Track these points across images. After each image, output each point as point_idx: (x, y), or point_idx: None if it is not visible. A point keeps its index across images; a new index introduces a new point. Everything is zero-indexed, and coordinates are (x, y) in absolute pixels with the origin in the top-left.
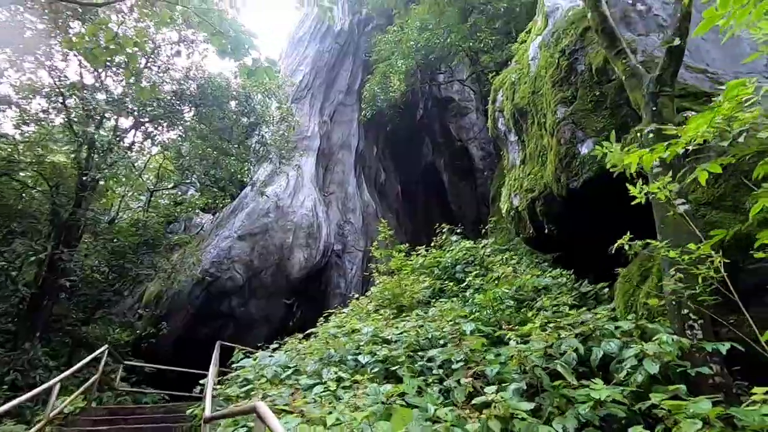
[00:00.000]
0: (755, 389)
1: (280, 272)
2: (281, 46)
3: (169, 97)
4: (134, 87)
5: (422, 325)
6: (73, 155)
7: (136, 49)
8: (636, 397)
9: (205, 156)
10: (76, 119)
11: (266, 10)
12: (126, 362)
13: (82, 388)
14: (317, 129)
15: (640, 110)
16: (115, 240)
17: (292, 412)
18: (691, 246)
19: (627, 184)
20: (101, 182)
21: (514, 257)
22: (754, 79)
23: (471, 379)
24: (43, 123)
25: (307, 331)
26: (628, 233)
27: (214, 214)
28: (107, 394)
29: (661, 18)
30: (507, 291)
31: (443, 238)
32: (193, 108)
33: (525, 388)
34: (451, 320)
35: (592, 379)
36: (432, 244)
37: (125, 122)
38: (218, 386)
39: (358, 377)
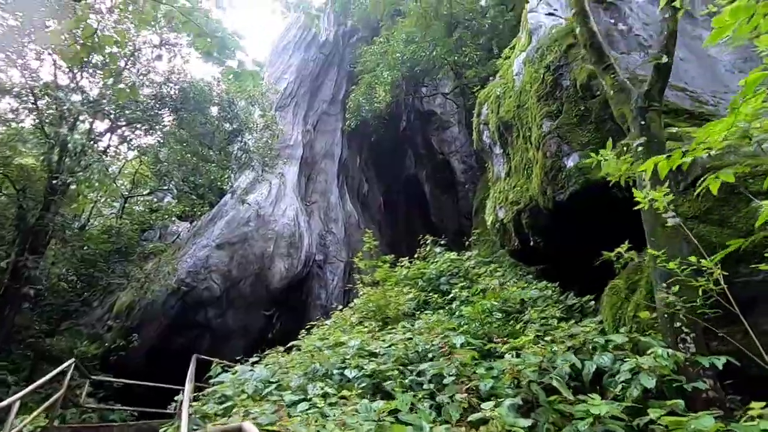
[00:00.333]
0: (753, 404)
1: (260, 282)
2: (264, 53)
3: (148, 101)
4: (112, 89)
5: (411, 338)
6: (43, 158)
7: (116, 48)
8: (632, 413)
9: (185, 162)
10: (48, 120)
11: (249, 18)
12: (93, 377)
13: (44, 406)
14: (300, 138)
15: (624, 125)
16: (85, 247)
17: None
18: (692, 258)
19: (634, 190)
20: (72, 186)
21: (499, 269)
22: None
23: (466, 395)
24: (11, 123)
25: (289, 344)
26: (625, 244)
27: (191, 222)
28: (72, 411)
29: (641, 38)
30: (495, 303)
31: (427, 249)
32: (173, 112)
33: (521, 403)
34: (439, 333)
35: (589, 395)
36: (415, 256)
37: (101, 125)
38: (194, 403)
39: (345, 393)
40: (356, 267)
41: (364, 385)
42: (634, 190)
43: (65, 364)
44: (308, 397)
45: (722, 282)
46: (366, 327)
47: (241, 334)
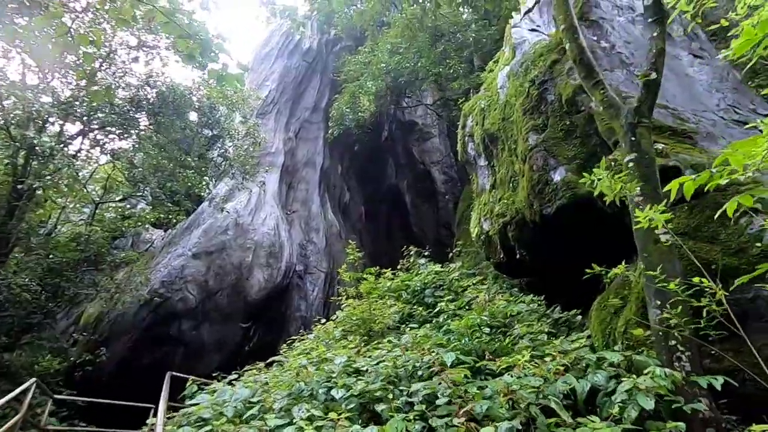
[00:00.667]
0: (754, 427)
1: (238, 293)
2: (247, 59)
3: (124, 104)
4: (86, 90)
5: (399, 355)
6: (7, 161)
7: (92, 48)
8: None
9: (161, 168)
10: (14, 122)
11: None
12: (56, 395)
13: (2, 429)
14: (282, 145)
15: (610, 140)
16: (51, 255)
17: None
18: (695, 279)
19: (636, 211)
20: (39, 191)
21: (484, 282)
22: None
23: (464, 419)
24: None
25: (270, 359)
26: (623, 263)
27: (166, 230)
28: None
29: (623, 55)
30: (485, 318)
31: (410, 261)
32: (150, 116)
33: (519, 427)
34: (428, 349)
35: (588, 417)
36: (398, 267)
37: (72, 128)
38: (168, 426)
39: (333, 415)
40: (338, 278)
41: (352, 406)
42: (636, 210)
43: (26, 384)
44: (293, 420)
45: (725, 302)
46: (350, 341)
47: (217, 348)
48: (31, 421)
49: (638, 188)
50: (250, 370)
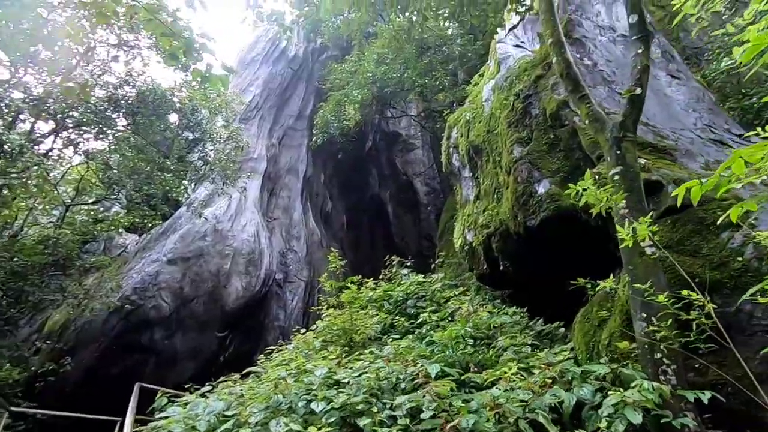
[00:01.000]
0: None
1: (214, 301)
2: (231, 63)
3: (101, 103)
4: (60, 87)
5: (382, 367)
6: None
7: (69, 41)
8: None
9: (138, 170)
10: None
11: (216, 25)
12: (13, 408)
13: None
14: (264, 151)
15: (593, 154)
16: (15, 258)
17: None
18: (684, 292)
19: (618, 226)
20: (5, 191)
21: (467, 293)
22: None
23: None
24: None
25: (246, 370)
26: (611, 276)
27: (140, 234)
28: None
29: (605, 73)
30: (468, 330)
31: (393, 271)
32: (128, 116)
33: None
34: (411, 360)
35: (576, 431)
36: (381, 277)
37: (44, 126)
38: None
39: (312, 429)
40: (318, 287)
41: (332, 419)
42: (624, 223)
43: None
44: None
45: (713, 315)
46: (331, 352)
47: (191, 357)
48: None
49: (624, 201)
50: (225, 381)
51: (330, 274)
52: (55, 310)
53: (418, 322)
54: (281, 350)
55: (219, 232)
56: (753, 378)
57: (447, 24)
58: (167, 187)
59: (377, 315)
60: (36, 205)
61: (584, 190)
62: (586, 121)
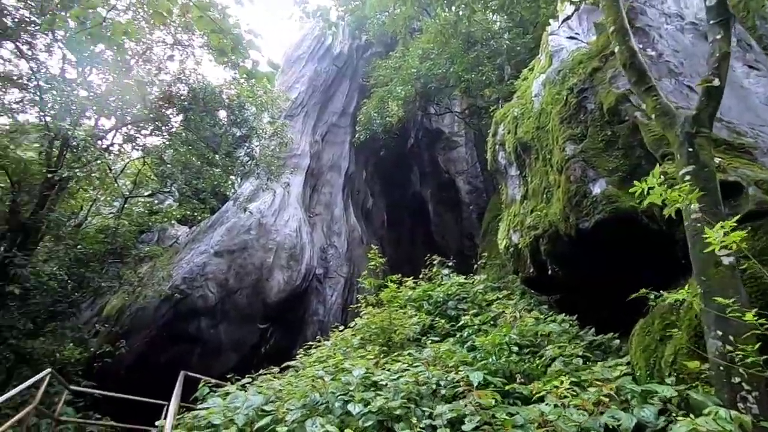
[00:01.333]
0: None
1: (257, 294)
2: (278, 61)
3: (157, 100)
4: (120, 85)
5: (421, 371)
6: (42, 152)
7: (126, 38)
8: None
9: (189, 165)
10: (51, 114)
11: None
12: (73, 387)
13: (16, 417)
14: (308, 148)
15: (657, 152)
16: (79, 246)
17: None
18: None
19: (706, 230)
20: (71, 183)
21: (511, 297)
22: None
23: None
24: (15, 114)
25: (285, 364)
26: (682, 286)
27: (190, 226)
28: (46, 421)
29: (672, 64)
30: (513, 336)
31: (433, 270)
32: (181, 113)
33: None
34: (452, 366)
35: None
36: (420, 276)
37: (106, 122)
38: (178, 427)
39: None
40: (358, 284)
41: (369, 423)
42: (706, 230)
43: (41, 374)
44: None
45: None
46: (369, 351)
47: (234, 348)
48: (46, 411)
49: (697, 203)
50: (265, 374)
51: (369, 272)
52: (112, 295)
53: (458, 324)
54: (319, 346)
55: (263, 227)
56: None
57: (495, 17)
58: (215, 182)
59: (416, 315)
60: (98, 196)
61: (649, 189)
62: (652, 116)
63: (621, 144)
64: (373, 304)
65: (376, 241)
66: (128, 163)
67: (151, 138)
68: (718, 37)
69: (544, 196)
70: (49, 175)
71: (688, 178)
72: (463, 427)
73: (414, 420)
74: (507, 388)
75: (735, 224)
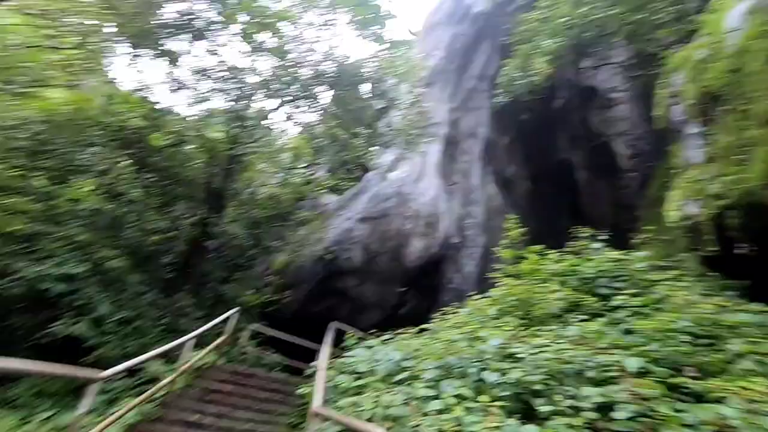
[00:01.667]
0: None
1: (396, 259)
2: (415, 29)
3: (309, 80)
4: (279, 67)
5: (565, 349)
6: (225, 132)
7: (283, 23)
8: None
9: (336, 138)
10: (231, 99)
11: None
12: (253, 325)
13: (215, 343)
14: (446, 116)
15: None
16: (253, 211)
17: None
18: None
19: None
20: (246, 158)
21: (682, 279)
22: None
23: None
24: (207, 103)
25: (421, 326)
26: None
27: (339, 194)
28: (235, 350)
29: None
30: (686, 323)
31: (581, 243)
32: (329, 89)
33: None
34: (603, 349)
35: None
36: (566, 249)
37: (270, 103)
38: (329, 371)
39: (484, 399)
40: (494, 254)
41: (505, 393)
42: None
43: (231, 311)
44: (441, 394)
45: None
46: (506, 323)
47: (377, 306)
48: (235, 341)
49: None
50: (403, 333)
51: (508, 242)
52: (279, 254)
53: (611, 305)
54: (455, 313)
55: (402, 195)
56: None
57: None
58: (359, 153)
59: (560, 291)
60: (265, 169)
61: None
62: None
63: None
64: (511, 275)
65: (517, 211)
66: (288, 139)
67: (305, 115)
68: None
69: (739, 157)
70: (231, 152)
71: None
72: (614, 414)
73: (555, 398)
74: (673, 381)
75: None
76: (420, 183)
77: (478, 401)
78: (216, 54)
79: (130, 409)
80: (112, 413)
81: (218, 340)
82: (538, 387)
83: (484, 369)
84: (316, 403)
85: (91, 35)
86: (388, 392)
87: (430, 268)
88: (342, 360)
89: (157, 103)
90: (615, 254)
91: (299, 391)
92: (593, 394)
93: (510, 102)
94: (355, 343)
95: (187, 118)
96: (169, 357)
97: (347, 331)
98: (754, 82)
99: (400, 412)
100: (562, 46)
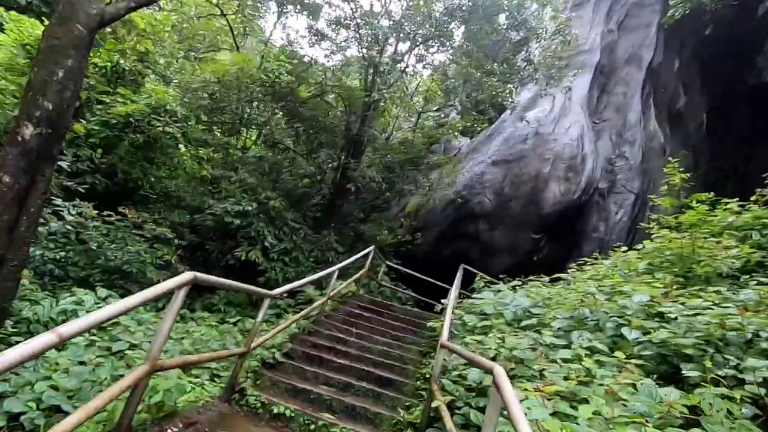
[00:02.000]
0: None
1: (531, 204)
2: None
3: (441, 16)
4: (411, 7)
5: (732, 314)
6: (361, 79)
7: None
8: None
9: (469, 77)
10: (365, 46)
11: None
12: (388, 262)
13: (356, 276)
14: (599, 40)
15: None
16: (387, 156)
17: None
18: None
19: None
20: (381, 103)
21: None
22: None
23: None
24: (344, 52)
25: (555, 275)
26: None
27: (471, 138)
28: (372, 283)
29: None
30: None
31: None
32: (462, 24)
33: None
34: None
35: None
36: (752, 198)
37: (402, 47)
38: (457, 310)
39: (620, 354)
40: (651, 202)
41: (647, 353)
42: None
43: (369, 249)
44: (571, 344)
45: None
46: (657, 280)
47: (507, 252)
48: (373, 276)
49: None
50: (534, 280)
51: (669, 189)
52: (411, 197)
53: None
54: (595, 264)
55: (540, 136)
56: None
57: None
58: (493, 92)
59: (737, 247)
60: (399, 114)
61: None
62: None
63: None
64: (670, 227)
65: (686, 151)
66: (420, 82)
67: (437, 55)
68: None
69: None
70: (366, 98)
71: None
72: None
73: (709, 364)
74: None
75: None
76: (562, 121)
77: (612, 356)
78: (351, 1)
79: (292, 323)
80: (279, 324)
81: (358, 274)
82: (689, 351)
83: (623, 325)
84: (444, 336)
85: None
86: (514, 335)
87: (570, 214)
88: (470, 301)
89: (303, 56)
90: None
91: (429, 324)
92: (764, 368)
93: (688, 14)
94: (484, 287)
95: (327, 69)
96: (320, 284)
97: (476, 274)
98: None
99: (525, 356)
100: None
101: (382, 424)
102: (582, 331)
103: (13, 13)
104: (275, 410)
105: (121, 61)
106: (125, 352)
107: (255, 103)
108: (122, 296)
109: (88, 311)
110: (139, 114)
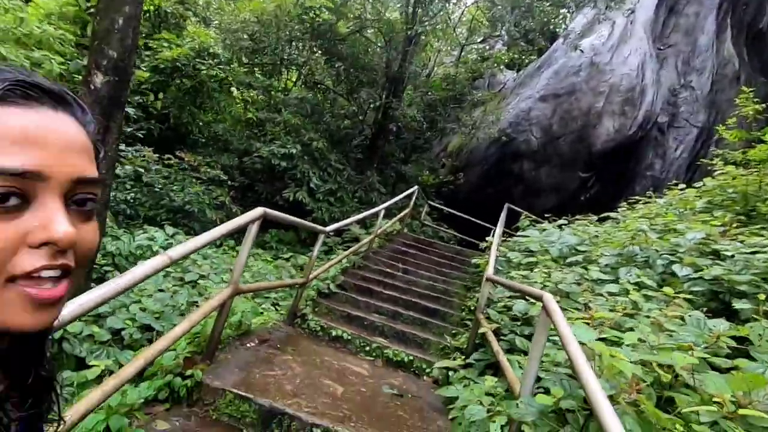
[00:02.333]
0: None
1: (581, 141)
2: None
3: None
4: None
5: None
6: (402, 11)
7: None
8: None
9: (518, 3)
10: None
11: None
12: (430, 202)
13: (400, 215)
14: None
15: None
16: (429, 93)
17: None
18: None
19: None
20: (423, 37)
21: None
22: None
23: None
24: None
25: (603, 214)
26: None
27: (517, 71)
28: (415, 223)
29: None
30: None
31: None
32: None
33: None
34: None
35: None
36: None
37: None
38: (502, 247)
39: (668, 290)
40: (717, 135)
41: (697, 289)
42: None
43: (412, 189)
44: (618, 279)
45: None
46: (716, 218)
47: (553, 191)
48: (416, 215)
49: None
50: (582, 219)
51: (739, 121)
52: (453, 135)
53: None
54: (648, 202)
55: (595, 66)
56: None
57: None
58: (545, 19)
59: None
60: (441, 47)
61: None
62: None
63: None
64: (736, 162)
65: (766, 78)
66: (464, 10)
67: None
68: None
69: None
70: (408, 32)
71: None
72: None
73: (762, 297)
74: None
75: None
76: (621, 49)
77: (660, 291)
78: None
79: (344, 257)
80: (330, 260)
81: (402, 213)
82: (744, 288)
83: (674, 262)
84: (490, 270)
85: None
86: (560, 271)
87: (624, 152)
88: (515, 239)
89: None
90: None
91: (473, 260)
92: None
93: None
94: (529, 225)
95: (366, 1)
96: (364, 224)
97: (520, 214)
98: None
99: (571, 289)
100: None
101: (430, 348)
102: (630, 267)
103: None
104: (333, 333)
105: (163, 4)
106: (197, 282)
107: (294, 43)
108: (186, 234)
109: (161, 246)
110: (184, 58)
